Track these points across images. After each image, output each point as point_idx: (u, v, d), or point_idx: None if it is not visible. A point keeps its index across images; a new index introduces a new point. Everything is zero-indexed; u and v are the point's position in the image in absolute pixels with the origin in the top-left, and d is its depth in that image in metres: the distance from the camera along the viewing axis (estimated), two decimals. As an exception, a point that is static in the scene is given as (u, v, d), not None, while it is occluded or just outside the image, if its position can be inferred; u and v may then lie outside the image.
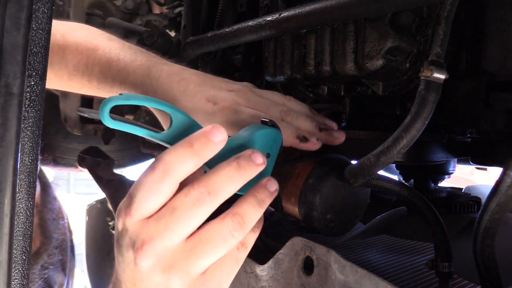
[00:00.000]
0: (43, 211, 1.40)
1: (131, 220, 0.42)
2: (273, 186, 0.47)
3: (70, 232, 1.50)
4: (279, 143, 0.52)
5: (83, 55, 0.68)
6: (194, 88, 0.62)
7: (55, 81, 0.72)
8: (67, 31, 0.73)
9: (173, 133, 0.46)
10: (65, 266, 1.38)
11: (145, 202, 0.41)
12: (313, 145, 0.58)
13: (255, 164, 0.44)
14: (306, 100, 0.81)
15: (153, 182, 0.41)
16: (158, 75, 0.63)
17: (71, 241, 1.49)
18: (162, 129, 0.47)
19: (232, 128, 0.58)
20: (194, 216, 0.41)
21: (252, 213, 0.44)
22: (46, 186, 1.50)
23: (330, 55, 0.67)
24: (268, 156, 0.51)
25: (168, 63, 0.66)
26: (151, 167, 0.42)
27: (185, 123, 0.46)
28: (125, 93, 0.43)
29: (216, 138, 0.42)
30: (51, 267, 1.29)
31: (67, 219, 1.51)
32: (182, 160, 0.41)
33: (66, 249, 1.44)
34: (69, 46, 0.69)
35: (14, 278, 0.33)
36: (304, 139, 0.58)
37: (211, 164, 0.47)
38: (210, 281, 0.43)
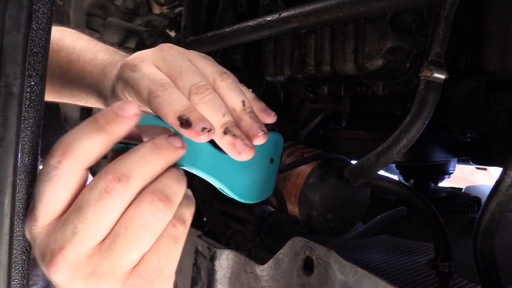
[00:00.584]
0: None
1: (36, 226, 0.35)
2: (177, 141, 0.39)
3: None
4: (281, 147, 0.51)
5: None
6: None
7: None
8: None
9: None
10: None
11: (47, 199, 0.34)
12: (195, 134, 0.39)
13: (173, 146, 0.38)
14: (306, 100, 0.81)
15: (51, 169, 0.34)
16: (110, 71, 0.55)
17: None
18: None
19: (125, 88, 0.45)
20: (105, 211, 0.34)
21: (172, 184, 0.37)
22: None
23: (330, 55, 0.67)
24: (272, 161, 0.50)
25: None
26: (49, 153, 0.35)
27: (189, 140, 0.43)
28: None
29: (125, 112, 0.36)
30: None
31: None
32: (85, 137, 0.35)
33: None
34: None
35: (14, 278, 0.33)
36: (186, 123, 0.40)
37: (206, 168, 0.45)
38: (148, 270, 0.37)
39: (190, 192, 0.41)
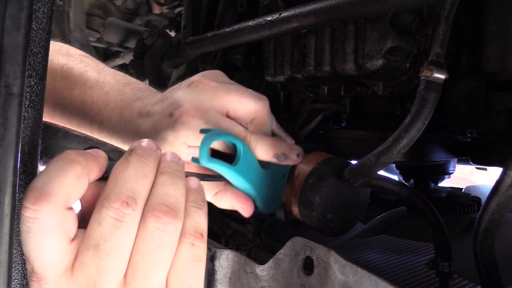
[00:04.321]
0: None
1: (47, 283, 0.32)
2: (175, 156, 0.38)
3: None
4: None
5: (59, 95, 0.61)
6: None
7: None
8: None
9: (243, 165, 0.51)
10: None
11: (44, 254, 0.31)
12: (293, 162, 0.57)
13: (150, 149, 0.37)
14: (306, 100, 0.81)
15: (30, 222, 0.31)
16: (130, 118, 0.56)
17: None
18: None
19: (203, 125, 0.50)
20: (124, 241, 0.33)
21: (170, 191, 0.35)
22: None
23: (330, 55, 0.67)
24: (284, 176, 0.60)
25: (141, 97, 0.57)
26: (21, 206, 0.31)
27: (245, 153, 0.52)
28: (213, 130, 0.48)
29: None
30: None
31: None
32: (59, 175, 0.32)
33: None
34: (48, 83, 0.61)
35: (14, 278, 0.33)
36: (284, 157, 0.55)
37: (253, 182, 0.53)
38: None
39: (195, 183, 0.39)
